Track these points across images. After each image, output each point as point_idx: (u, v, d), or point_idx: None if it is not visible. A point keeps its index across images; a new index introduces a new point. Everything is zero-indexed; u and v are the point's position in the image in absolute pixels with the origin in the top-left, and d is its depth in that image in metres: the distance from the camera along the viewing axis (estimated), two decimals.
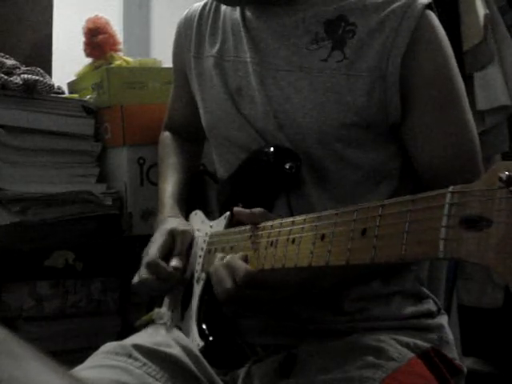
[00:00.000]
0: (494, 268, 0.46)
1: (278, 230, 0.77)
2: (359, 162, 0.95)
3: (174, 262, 0.96)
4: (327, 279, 0.88)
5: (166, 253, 0.98)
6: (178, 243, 0.99)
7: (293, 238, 0.73)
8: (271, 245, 0.77)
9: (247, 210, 0.87)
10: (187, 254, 0.99)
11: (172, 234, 0.99)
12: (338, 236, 0.65)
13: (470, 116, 0.95)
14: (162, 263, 0.95)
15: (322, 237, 0.67)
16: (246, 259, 0.83)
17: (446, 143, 0.93)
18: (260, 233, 0.81)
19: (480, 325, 2.00)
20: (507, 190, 0.46)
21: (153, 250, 0.97)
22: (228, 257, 0.85)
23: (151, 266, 0.96)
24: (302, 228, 0.72)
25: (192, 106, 1.12)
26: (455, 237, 0.49)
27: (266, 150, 0.95)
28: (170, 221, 1.03)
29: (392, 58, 0.89)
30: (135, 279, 0.98)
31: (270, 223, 0.80)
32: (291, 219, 0.76)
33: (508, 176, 0.46)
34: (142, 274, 0.97)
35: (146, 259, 0.97)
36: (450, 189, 0.51)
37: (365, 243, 0.60)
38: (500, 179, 0.46)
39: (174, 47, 1.17)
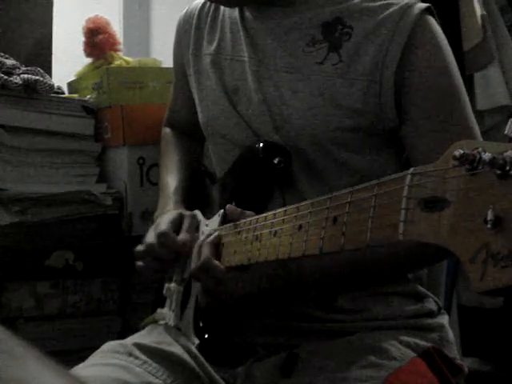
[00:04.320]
0: (449, 247, 0.45)
1: (262, 223, 0.78)
2: (355, 165, 0.94)
3: (182, 235, 0.96)
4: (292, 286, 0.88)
5: (175, 229, 0.97)
6: (186, 223, 0.98)
7: (274, 231, 0.74)
8: (256, 239, 0.78)
9: (238, 210, 0.87)
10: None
11: (181, 215, 0.99)
12: (313, 225, 0.65)
13: (471, 119, 0.92)
14: (172, 234, 0.95)
15: (300, 227, 0.68)
16: (216, 242, 0.86)
17: (446, 148, 0.91)
18: (247, 228, 0.82)
19: (480, 325, 1.99)
20: (460, 169, 0.46)
21: (163, 222, 0.97)
22: (202, 239, 0.89)
23: (160, 235, 0.95)
24: (283, 220, 0.73)
25: (192, 103, 1.12)
26: (413, 219, 0.49)
27: (256, 145, 0.95)
28: (175, 210, 1.03)
29: (387, 63, 0.88)
30: (144, 240, 0.98)
31: (256, 217, 0.81)
32: (273, 212, 0.76)
33: (461, 154, 0.45)
34: (149, 240, 0.96)
35: (156, 229, 0.97)
36: (411, 170, 0.51)
37: (335, 231, 0.60)
38: (454, 157, 0.45)
39: (174, 44, 1.17)
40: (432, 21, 0.91)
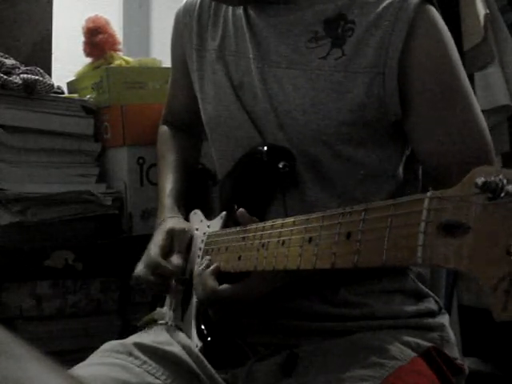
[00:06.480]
0: (471, 273, 0.46)
1: (269, 231, 0.78)
2: (359, 160, 0.94)
3: (174, 261, 0.97)
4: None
5: (166, 252, 0.98)
6: (177, 242, 1.00)
7: (283, 241, 0.74)
8: (263, 246, 0.78)
9: (247, 216, 0.87)
10: (187, 251, 1.00)
11: (171, 234, 1.00)
12: (324, 239, 0.65)
13: (475, 107, 0.92)
14: (163, 262, 0.96)
15: (310, 240, 0.68)
16: (217, 272, 0.89)
17: (451, 138, 0.91)
18: (252, 234, 0.82)
19: (480, 325, 1.99)
20: (482, 196, 0.46)
21: (154, 250, 0.98)
22: (201, 269, 0.91)
23: (152, 266, 0.97)
24: (292, 230, 0.73)
25: (192, 97, 1.11)
26: (432, 243, 0.50)
27: (260, 148, 0.94)
28: (169, 221, 1.04)
29: (390, 54, 0.88)
30: (136, 272, 0.99)
31: (261, 224, 0.81)
32: (281, 221, 0.76)
33: (483, 182, 0.45)
34: (141, 273, 0.98)
35: (147, 260, 0.98)
36: (429, 194, 0.51)
37: (349, 247, 0.60)
38: (476, 185, 0.46)
39: (172, 37, 1.16)
40: (432, 9, 0.91)
